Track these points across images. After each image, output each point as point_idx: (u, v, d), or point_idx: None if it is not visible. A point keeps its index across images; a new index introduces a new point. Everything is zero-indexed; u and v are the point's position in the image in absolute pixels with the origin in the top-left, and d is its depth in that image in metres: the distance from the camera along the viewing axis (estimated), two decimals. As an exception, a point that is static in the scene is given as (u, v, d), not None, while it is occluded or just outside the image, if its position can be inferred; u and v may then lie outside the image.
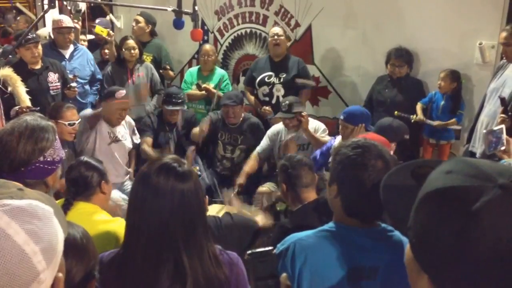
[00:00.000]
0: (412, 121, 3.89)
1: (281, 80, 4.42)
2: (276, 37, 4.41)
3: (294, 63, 4.44)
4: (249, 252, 0.99)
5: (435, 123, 3.93)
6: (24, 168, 1.63)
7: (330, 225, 1.52)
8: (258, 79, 4.50)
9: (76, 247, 1.17)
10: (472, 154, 3.61)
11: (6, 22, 7.65)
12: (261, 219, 2.41)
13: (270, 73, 4.46)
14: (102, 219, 2.13)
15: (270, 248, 1.00)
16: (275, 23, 4.93)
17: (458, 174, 0.75)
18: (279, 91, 4.43)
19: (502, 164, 0.78)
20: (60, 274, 0.76)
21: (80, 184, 2.17)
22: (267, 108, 4.41)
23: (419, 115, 3.96)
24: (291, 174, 2.57)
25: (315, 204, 2.50)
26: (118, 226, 2.07)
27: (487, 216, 0.68)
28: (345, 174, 1.47)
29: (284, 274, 0.99)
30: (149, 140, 4.10)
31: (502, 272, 0.68)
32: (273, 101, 4.46)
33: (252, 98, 4.64)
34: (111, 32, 5.07)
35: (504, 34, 3.35)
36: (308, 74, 4.52)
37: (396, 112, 3.89)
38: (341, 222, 1.50)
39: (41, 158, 1.66)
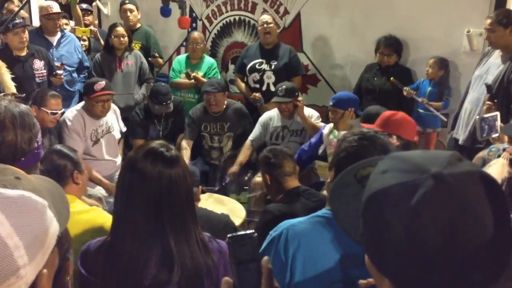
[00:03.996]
0: (405, 93, 3.87)
1: (272, 67, 4.40)
2: (265, 25, 4.38)
3: (285, 51, 4.43)
4: (229, 235, 0.98)
5: (421, 99, 3.90)
6: (24, 158, 1.62)
7: (323, 211, 1.51)
8: (249, 65, 4.48)
9: None
10: (456, 141, 3.64)
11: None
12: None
13: (261, 60, 4.45)
14: (78, 210, 2.05)
15: (251, 231, 0.99)
16: (264, 11, 4.90)
17: (393, 172, 0.73)
18: (269, 78, 4.42)
19: (433, 151, 0.77)
20: (45, 271, 0.74)
21: (53, 173, 2.05)
22: (257, 94, 4.39)
23: (408, 88, 3.91)
24: (273, 164, 2.61)
25: (297, 190, 2.53)
26: (95, 215, 2.04)
27: (426, 208, 0.67)
28: (345, 163, 1.42)
29: (265, 257, 0.98)
30: (140, 142, 4.01)
31: (453, 265, 0.66)
32: (264, 88, 4.44)
33: (242, 85, 4.62)
34: (93, 28, 5.01)
35: (488, 20, 3.35)
36: (299, 62, 4.51)
37: (392, 78, 3.93)
38: None
39: (35, 144, 1.66)
